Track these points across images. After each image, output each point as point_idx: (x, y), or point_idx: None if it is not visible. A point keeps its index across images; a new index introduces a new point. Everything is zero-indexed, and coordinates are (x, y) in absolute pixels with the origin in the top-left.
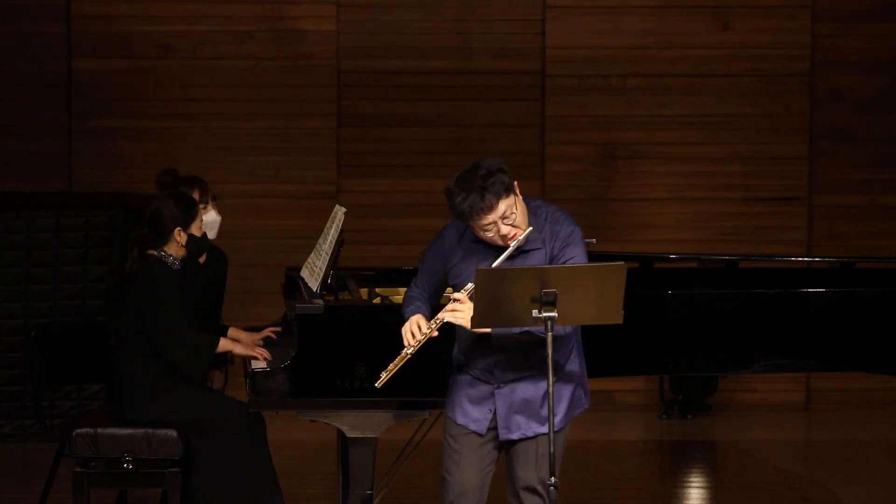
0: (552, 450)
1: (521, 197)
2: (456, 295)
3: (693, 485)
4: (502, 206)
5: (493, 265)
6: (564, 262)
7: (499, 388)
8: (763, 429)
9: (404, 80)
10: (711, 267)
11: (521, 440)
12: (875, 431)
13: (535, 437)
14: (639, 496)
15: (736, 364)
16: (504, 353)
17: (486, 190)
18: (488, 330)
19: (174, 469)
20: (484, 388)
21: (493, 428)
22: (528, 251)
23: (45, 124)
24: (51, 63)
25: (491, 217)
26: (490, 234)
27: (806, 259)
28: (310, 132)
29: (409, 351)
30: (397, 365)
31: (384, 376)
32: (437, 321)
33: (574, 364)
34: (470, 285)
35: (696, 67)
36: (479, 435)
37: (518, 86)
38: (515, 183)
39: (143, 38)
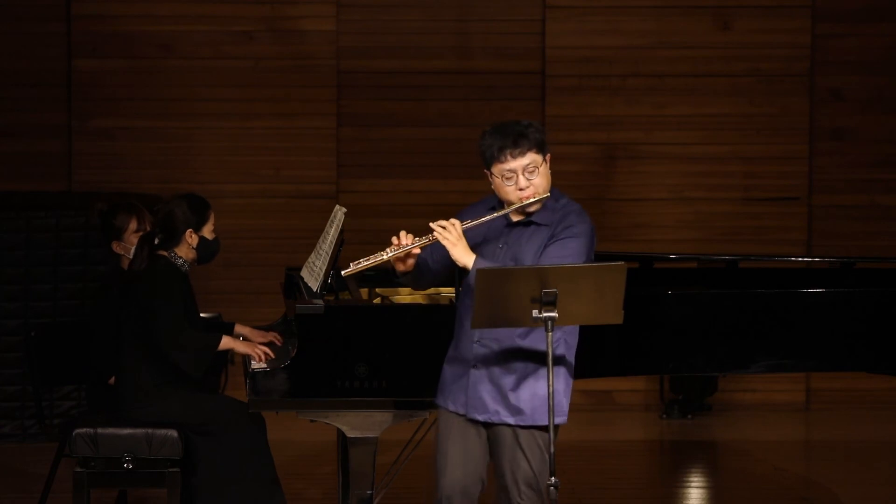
0: (552, 449)
1: (549, 171)
2: (452, 220)
3: (693, 485)
4: (530, 157)
5: (499, 213)
6: (558, 241)
7: (476, 367)
8: (763, 429)
9: (404, 80)
10: (711, 267)
11: (494, 427)
12: (875, 431)
13: (506, 425)
14: (639, 496)
15: (736, 364)
16: (486, 333)
17: (523, 136)
18: (471, 259)
19: (174, 469)
20: (463, 369)
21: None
22: (538, 224)
23: (45, 124)
24: (51, 63)
25: (516, 163)
26: (508, 184)
27: (806, 259)
28: (310, 132)
29: (386, 256)
30: (370, 263)
31: (352, 267)
32: (425, 237)
33: (556, 369)
34: (469, 221)
35: (696, 67)
36: (461, 417)
37: (518, 86)
38: (549, 155)
39: (143, 38)
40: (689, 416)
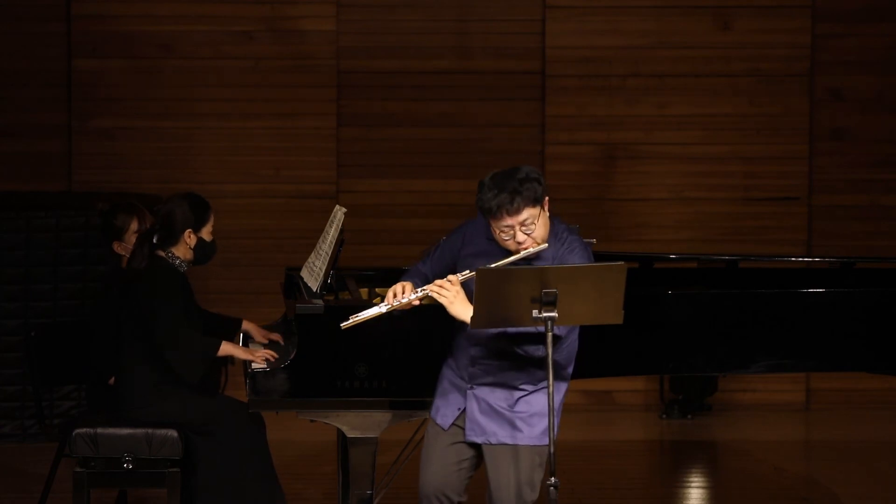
0: (551, 449)
1: (547, 214)
2: (450, 277)
3: (693, 485)
4: (526, 213)
5: (494, 266)
6: None
7: (472, 388)
8: (763, 429)
9: (404, 80)
10: (711, 267)
11: (488, 446)
12: (875, 431)
13: (503, 445)
14: (639, 496)
15: (736, 364)
16: (481, 353)
17: (518, 193)
18: (469, 314)
19: (174, 469)
20: (460, 385)
21: (462, 427)
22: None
23: (45, 124)
24: (51, 63)
25: (512, 221)
26: (506, 238)
27: (806, 259)
28: (310, 132)
29: (384, 309)
30: (369, 317)
31: (352, 320)
32: (422, 291)
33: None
34: (467, 272)
35: (696, 67)
36: (445, 431)
37: (518, 86)
38: (546, 199)
39: (143, 38)
40: (689, 416)
